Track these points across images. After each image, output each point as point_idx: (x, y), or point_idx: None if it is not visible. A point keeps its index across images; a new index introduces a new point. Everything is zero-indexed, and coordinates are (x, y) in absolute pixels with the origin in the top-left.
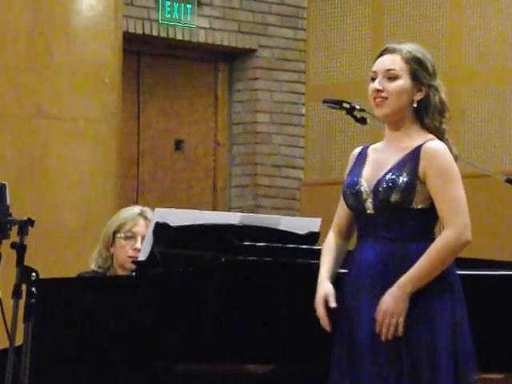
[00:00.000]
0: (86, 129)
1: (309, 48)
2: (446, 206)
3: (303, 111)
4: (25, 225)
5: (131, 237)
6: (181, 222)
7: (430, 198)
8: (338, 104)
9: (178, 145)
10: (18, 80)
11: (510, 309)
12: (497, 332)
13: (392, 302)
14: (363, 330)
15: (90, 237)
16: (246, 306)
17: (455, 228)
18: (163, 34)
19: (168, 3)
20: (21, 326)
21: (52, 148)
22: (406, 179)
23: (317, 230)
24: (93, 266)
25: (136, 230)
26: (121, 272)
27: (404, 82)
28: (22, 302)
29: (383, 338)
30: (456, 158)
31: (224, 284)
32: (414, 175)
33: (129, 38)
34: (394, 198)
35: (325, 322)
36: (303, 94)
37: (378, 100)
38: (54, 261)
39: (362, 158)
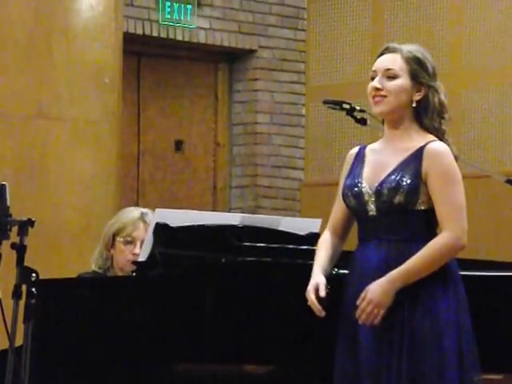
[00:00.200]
0: (86, 129)
1: (309, 49)
2: (445, 209)
3: (303, 112)
4: (25, 225)
5: (130, 242)
6: (181, 222)
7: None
8: (338, 105)
9: (178, 145)
10: (18, 80)
11: (510, 309)
12: (496, 333)
13: (379, 292)
14: (366, 331)
15: (91, 237)
16: (246, 307)
17: (452, 232)
18: (163, 35)
19: (168, 4)
20: (21, 326)
21: (52, 148)
22: (409, 180)
23: (317, 230)
24: (93, 267)
25: (135, 234)
26: (120, 273)
27: (403, 81)
28: (22, 303)
29: (360, 322)
30: (456, 158)
31: (224, 285)
32: (418, 176)
33: (129, 39)
34: (398, 199)
35: (316, 307)
36: (303, 94)
37: (377, 98)
38: (54, 261)
39: (360, 158)
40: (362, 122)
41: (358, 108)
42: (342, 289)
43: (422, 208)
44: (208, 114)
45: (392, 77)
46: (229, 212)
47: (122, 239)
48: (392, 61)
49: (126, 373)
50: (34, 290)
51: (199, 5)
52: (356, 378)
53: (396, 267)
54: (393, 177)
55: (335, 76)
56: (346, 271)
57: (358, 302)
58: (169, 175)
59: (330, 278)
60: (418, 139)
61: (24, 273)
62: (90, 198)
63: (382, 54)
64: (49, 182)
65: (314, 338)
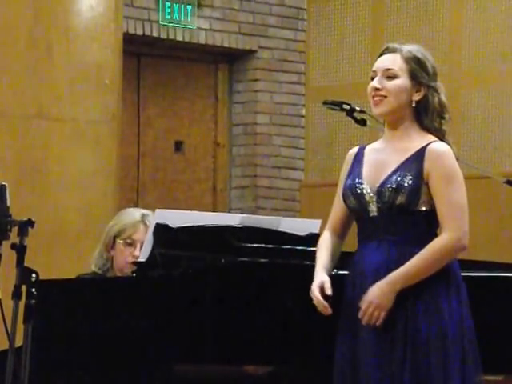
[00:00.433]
0: (86, 130)
1: (309, 49)
2: (446, 209)
3: (303, 112)
4: (25, 226)
5: (130, 244)
6: (181, 223)
7: (434, 200)
8: (338, 105)
9: (178, 146)
10: (18, 81)
11: (510, 310)
12: (496, 334)
13: (379, 295)
14: (368, 331)
15: (90, 237)
16: (246, 308)
17: (453, 233)
18: (163, 35)
19: (168, 4)
20: (21, 326)
21: (52, 149)
22: (411, 181)
23: (317, 231)
24: (93, 267)
25: (136, 237)
26: (119, 275)
27: (402, 81)
28: (21, 303)
29: (363, 323)
30: (456, 159)
31: (224, 285)
32: (419, 177)
33: (129, 39)
34: (400, 200)
35: (323, 305)
36: (303, 95)
37: (376, 98)
38: (54, 262)
39: (359, 158)
40: (362, 122)
41: (357, 109)
42: (341, 290)
43: (424, 209)
44: (208, 115)
45: (392, 77)
46: (229, 213)
47: (122, 241)
48: (392, 61)
49: (126, 373)
50: (33, 290)
51: (199, 5)
52: (355, 379)
53: (396, 268)
54: (394, 177)
55: (335, 77)
56: (345, 272)
57: (360, 304)
58: (169, 176)
59: (330, 279)
60: (418, 139)
61: (24, 273)
62: (89, 198)
63: (382, 54)
64: (49, 183)
65: (313, 339)
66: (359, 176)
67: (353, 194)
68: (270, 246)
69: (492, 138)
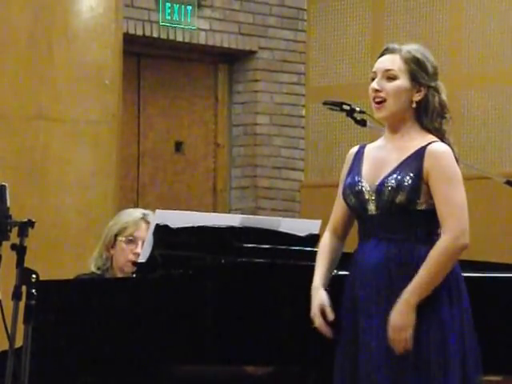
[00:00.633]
0: (86, 130)
1: (309, 50)
2: (445, 209)
3: (303, 113)
4: (25, 226)
5: (132, 241)
6: (181, 223)
7: (433, 199)
8: (338, 106)
9: (178, 146)
10: (18, 82)
11: (509, 311)
12: (496, 334)
13: (398, 317)
14: (370, 332)
15: (91, 238)
16: (246, 308)
17: (451, 232)
18: (163, 36)
19: (168, 5)
20: (21, 327)
21: (52, 149)
22: (410, 180)
23: (317, 231)
24: (92, 267)
25: (137, 234)
26: (119, 274)
27: (402, 82)
28: (22, 304)
29: (397, 353)
30: (457, 160)
31: (224, 286)
32: (419, 176)
33: (129, 40)
34: (399, 199)
35: (325, 330)
36: (303, 95)
37: (377, 99)
38: (54, 262)
39: (359, 156)
40: (362, 123)
41: (357, 109)
42: (341, 289)
43: (423, 208)
44: (208, 115)
45: (391, 78)
46: (229, 213)
47: (124, 238)
48: (391, 61)
49: (126, 374)
50: (33, 291)
51: (199, 6)
52: (355, 379)
53: (396, 268)
54: (394, 176)
55: (335, 77)
56: (345, 272)
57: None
58: (169, 176)
59: (331, 279)
60: (418, 139)
61: (24, 274)
62: (89, 199)
63: (381, 55)
64: (49, 183)
65: (313, 339)
66: (359, 174)
67: (352, 192)
68: (270, 246)
69: (492, 139)
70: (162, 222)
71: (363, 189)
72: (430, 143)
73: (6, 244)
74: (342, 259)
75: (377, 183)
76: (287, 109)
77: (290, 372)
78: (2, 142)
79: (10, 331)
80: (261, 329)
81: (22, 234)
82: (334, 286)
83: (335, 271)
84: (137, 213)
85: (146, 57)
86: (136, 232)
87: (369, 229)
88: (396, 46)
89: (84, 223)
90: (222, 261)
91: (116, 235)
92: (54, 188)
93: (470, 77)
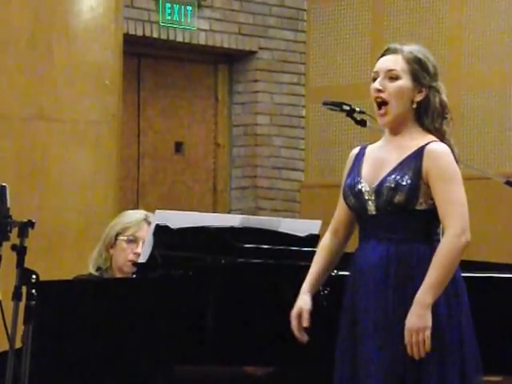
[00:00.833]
0: (86, 131)
1: (309, 50)
2: (446, 207)
3: (303, 113)
4: (25, 227)
5: (133, 241)
6: (181, 224)
7: (433, 199)
8: (337, 106)
9: (178, 147)
10: (18, 82)
11: (509, 311)
12: (495, 335)
13: (414, 318)
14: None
15: (91, 238)
16: (246, 308)
17: (455, 230)
18: (163, 36)
19: (168, 5)
20: (21, 328)
21: (52, 150)
22: (409, 180)
23: (317, 232)
24: (91, 268)
25: (139, 234)
26: (118, 274)
27: (404, 82)
28: (22, 304)
29: (416, 356)
30: (457, 161)
31: (224, 286)
32: (418, 176)
33: (129, 40)
34: (398, 199)
35: (298, 334)
36: (303, 96)
37: (378, 100)
38: (55, 263)
39: (360, 157)
40: (362, 123)
41: (357, 109)
42: (342, 289)
43: (422, 208)
44: (208, 116)
45: (393, 78)
46: (229, 213)
47: (125, 238)
48: (393, 62)
49: (126, 375)
50: (34, 291)
51: (199, 6)
52: (355, 379)
53: (395, 267)
54: (393, 176)
55: (335, 77)
56: (346, 273)
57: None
58: (169, 176)
59: (330, 280)
60: (418, 139)
61: (24, 274)
62: (89, 199)
63: (383, 55)
64: (49, 183)
65: (314, 340)
66: (359, 175)
67: (352, 192)
68: (270, 246)
69: (492, 139)
70: (162, 222)
71: (363, 189)
72: (428, 143)
73: (7, 244)
74: (343, 259)
75: (376, 183)
76: (287, 109)
77: (290, 372)
78: (2, 142)
79: (10, 332)
80: (261, 329)
81: (22, 234)
82: (334, 286)
83: (335, 271)
84: (139, 214)
85: (146, 57)
86: (138, 232)
87: (368, 229)
88: (398, 46)
89: (84, 224)
90: (222, 261)
91: (117, 235)
92: (54, 188)
93: (469, 77)
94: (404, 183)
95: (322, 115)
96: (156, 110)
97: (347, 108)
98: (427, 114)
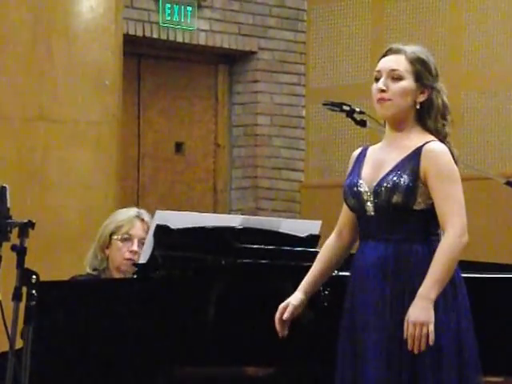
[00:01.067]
0: (86, 131)
1: (309, 50)
2: (446, 207)
3: (303, 113)
4: (25, 227)
5: (128, 239)
6: (181, 224)
7: (431, 199)
8: (338, 106)
9: (179, 147)
10: (18, 83)
11: (510, 312)
12: (496, 335)
13: (418, 312)
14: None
15: (91, 239)
16: (247, 309)
17: (454, 229)
18: (163, 37)
19: (168, 5)
20: (21, 328)
21: (53, 150)
22: (407, 180)
23: (317, 232)
24: (88, 269)
25: (133, 232)
26: (116, 274)
27: (408, 82)
28: (22, 305)
29: (416, 350)
30: (456, 162)
31: (224, 286)
32: (416, 176)
33: (129, 41)
34: (396, 199)
35: (278, 326)
36: (303, 96)
37: (381, 100)
38: (55, 263)
39: (361, 158)
40: (362, 123)
41: (357, 110)
42: (343, 290)
43: (420, 208)
44: (208, 116)
45: (397, 78)
46: (229, 214)
47: (119, 237)
48: (396, 62)
49: (126, 375)
50: (34, 292)
51: (199, 7)
52: (356, 379)
53: (394, 267)
54: (390, 176)
55: (335, 78)
56: (347, 273)
57: (405, 336)
58: (169, 177)
59: (331, 280)
60: (417, 139)
61: (24, 275)
62: (90, 200)
63: (385, 55)
64: (49, 184)
65: (315, 340)
66: (358, 175)
67: (351, 193)
68: (271, 247)
69: (492, 139)
70: (162, 222)
71: (362, 190)
72: (426, 143)
73: (7, 245)
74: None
75: (374, 184)
76: (287, 109)
77: (290, 373)
78: (3, 142)
79: (10, 332)
80: (261, 329)
81: (23, 234)
82: (334, 286)
83: (336, 272)
84: (131, 211)
85: (146, 57)
86: (131, 230)
87: (368, 229)
88: (400, 46)
89: (84, 224)
90: (223, 261)
91: (111, 234)
92: (54, 189)
93: (470, 77)
94: (402, 183)
95: (322, 115)
96: (156, 111)
97: (347, 108)
98: (430, 115)
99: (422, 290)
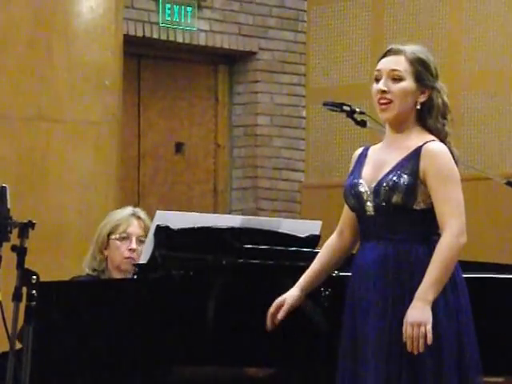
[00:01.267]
0: (86, 131)
1: (309, 51)
2: (444, 207)
3: (303, 114)
4: (25, 227)
5: (126, 237)
6: (181, 224)
7: (430, 199)
8: (338, 107)
9: (179, 147)
10: (18, 83)
11: (510, 312)
12: (496, 335)
13: (416, 312)
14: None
15: (91, 239)
16: (247, 309)
17: (453, 230)
18: (163, 37)
19: (168, 6)
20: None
21: (53, 150)
22: (407, 180)
23: (317, 232)
24: (87, 270)
25: (130, 230)
26: (116, 274)
27: (408, 83)
28: (22, 305)
29: (415, 351)
30: (456, 162)
31: (224, 287)
32: (415, 176)
33: (129, 41)
34: (396, 199)
35: (269, 322)
36: (303, 96)
37: (382, 101)
38: (55, 263)
39: (362, 158)
40: (362, 124)
41: (358, 110)
42: (342, 290)
43: (420, 207)
44: (208, 116)
45: (397, 79)
46: (229, 214)
47: (117, 236)
48: (396, 62)
49: (126, 375)
50: (34, 292)
51: (199, 7)
52: (357, 378)
53: (394, 267)
54: (390, 176)
55: (335, 78)
56: (347, 273)
57: (404, 337)
58: (169, 177)
59: (332, 280)
60: (417, 139)
61: (24, 275)
62: (90, 200)
63: (385, 55)
64: (49, 184)
65: (315, 341)
66: (359, 175)
67: (351, 193)
68: (271, 247)
69: (492, 139)
70: (162, 222)
71: (362, 190)
72: (426, 142)
73: (7, 245)
74: (346, 260)
75: (374, 184)
76: (287, 110)
77: (291, 373)
78: (3, 142)
79: (10, 332)
80: (261, 330)
81: (23, 235)
82: (334, 286)
83: (336, 272)
84: (126, 210)
85: (146, 58)
86: (129, 228)
87: (368, 229)
88: (400, 46)
89: (84, 224)
90: (223, 262)
91: (109, 235)
92: (54, 189)
93: (470, 77)
94: (401, 183)
95: (323, 116)
96: (156, 111)
97: (347, 109)
98: (431, 115)
99: (419, 291)
